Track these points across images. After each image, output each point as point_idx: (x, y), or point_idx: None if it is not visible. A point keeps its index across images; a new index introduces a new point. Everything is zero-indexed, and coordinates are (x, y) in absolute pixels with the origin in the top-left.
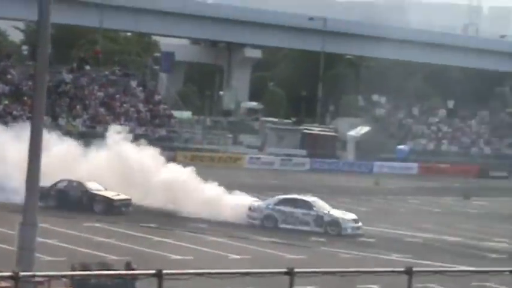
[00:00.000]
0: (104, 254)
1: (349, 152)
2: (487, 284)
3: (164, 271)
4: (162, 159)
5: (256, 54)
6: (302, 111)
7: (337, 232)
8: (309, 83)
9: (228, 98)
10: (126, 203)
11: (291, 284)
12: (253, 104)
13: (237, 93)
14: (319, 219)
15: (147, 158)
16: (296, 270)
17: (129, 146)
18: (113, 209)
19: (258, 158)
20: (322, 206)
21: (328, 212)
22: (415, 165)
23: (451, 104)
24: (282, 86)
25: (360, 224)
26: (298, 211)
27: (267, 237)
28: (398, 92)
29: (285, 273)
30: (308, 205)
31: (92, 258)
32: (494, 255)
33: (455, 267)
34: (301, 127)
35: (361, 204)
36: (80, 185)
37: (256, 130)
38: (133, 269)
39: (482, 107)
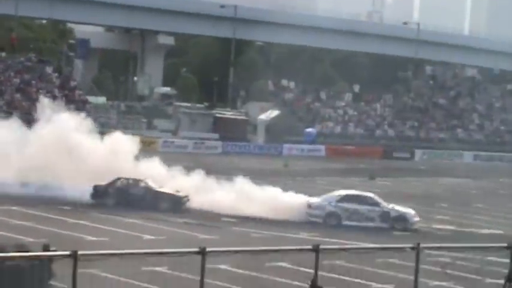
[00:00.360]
0: (20, 237)
1: (260, 135)
2: (391, 260)
3: (79, 252)
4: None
5: (169, 41)
6: (214, 96)
7: (404, 227)
8: (220, 69)
9: (142, 84)
10: (188, 199)
11: (203, 263)
12: (167, 89)
13: (150, 79)
14: (385, 215)
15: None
16: (208, 249)
17: (69, 119)
18: (181, 207)
19: (172, 142)
20: (382, 201)
21: (393, 207)
22: (322, 147)
23: (356, 88)
24: (195, 72)
25: (418, 218)
26: (363, 207)
27: (180, 218)
28: (306, 77)
29: (197, 252)
30: (372, 201)
31: (8, 241)
32: (397, 233)
33: (360, 244)
34: (213, 111)
35: (271, 185)
36: (140, 182)
37: (169, 115)
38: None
39: (386, 91)
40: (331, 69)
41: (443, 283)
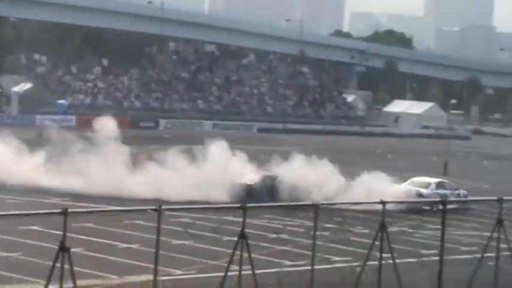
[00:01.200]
0: None
1: (13, 107)
2: (136, 221)
3: None
4: None
5: None
6: None
7: (464, 206)
8: None
9: None
10: None
11: None
12: None
13: None
14: (459, 197)
15: None
16: None
17: None
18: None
19: None
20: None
21: (459, 189)
22: (73, 117)
23: (105, 62)
24: None
25: None
26: (448, 192)
27: None
28: (57, 52)
29: None
30: (450, 186)
31: None
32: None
33: (106, 207)
34: None
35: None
36: (277, 177)
37: None
38: None
39: (133, 65)
40: (82, 44)
41: (185, 242)
